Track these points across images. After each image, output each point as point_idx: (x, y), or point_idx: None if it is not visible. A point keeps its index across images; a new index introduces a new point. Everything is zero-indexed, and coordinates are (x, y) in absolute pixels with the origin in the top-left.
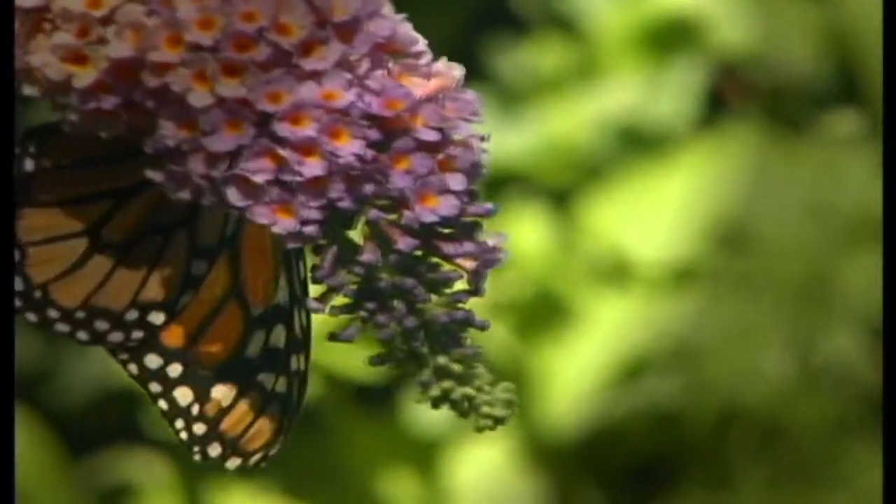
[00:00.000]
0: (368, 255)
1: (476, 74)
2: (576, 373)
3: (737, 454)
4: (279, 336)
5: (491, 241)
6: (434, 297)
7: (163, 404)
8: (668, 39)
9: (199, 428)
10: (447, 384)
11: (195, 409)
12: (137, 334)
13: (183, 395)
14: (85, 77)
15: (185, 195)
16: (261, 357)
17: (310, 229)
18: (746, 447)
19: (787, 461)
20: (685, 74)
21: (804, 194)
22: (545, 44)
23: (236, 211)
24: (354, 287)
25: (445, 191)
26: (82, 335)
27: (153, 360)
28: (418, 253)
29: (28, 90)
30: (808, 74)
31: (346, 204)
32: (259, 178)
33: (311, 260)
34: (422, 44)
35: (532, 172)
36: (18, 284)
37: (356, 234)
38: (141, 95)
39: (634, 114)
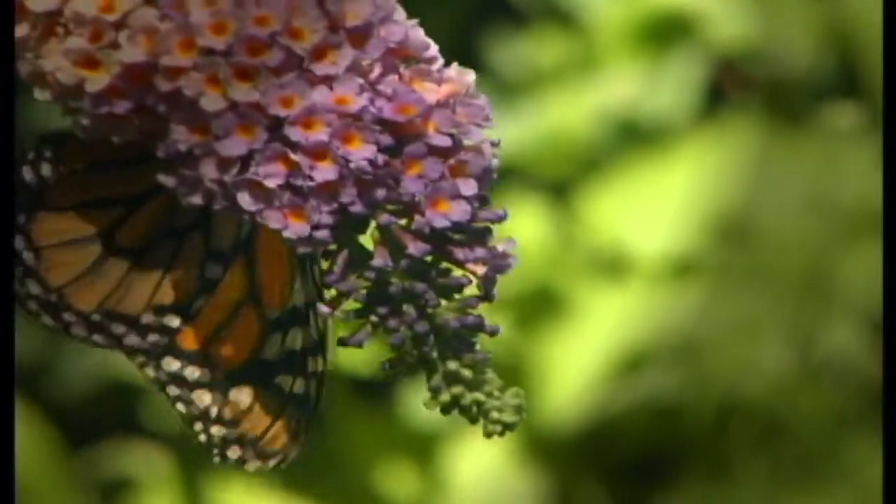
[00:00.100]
0: (379, 260)
1: (475, 67)
2: (575, 366)
3: (737, 448)
4: (296, 338)
5: (501, 247)
6: (445, 303)
7: (181, 407)
8: (667, 32)
9: (217, 430)
10: (457, 389)
11: (213, 412)
12: (153, 337)
13: (201, 398)
14: (97, 81)
15: (196, 199)
16: (278, 359)
17: (321, 234)
18: (746, 441)
19: (787, 454)
20: (684, 67)
21: (804, 187)
22: (544, 37)
23: (248, 215)
24: (365, 292)
25: (457, 196)
26: (99, 339)
27: (171, 364)
28: (429, 258)
29: (40, 94)
30: (808, 67)
31: (357, 209)
32: (271, 183)
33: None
34: (434, 49)
35: (531, 165)
36: (34, 288)
37: (367, 239)
38: (153, 100)
39: (634, 107)
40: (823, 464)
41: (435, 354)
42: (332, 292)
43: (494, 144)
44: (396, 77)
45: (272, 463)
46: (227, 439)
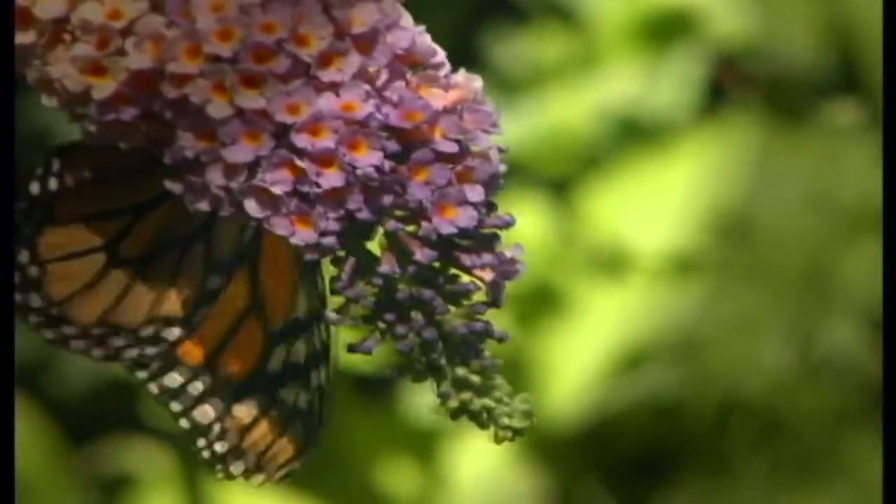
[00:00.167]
0: (387, 267)
1: (476, 64)
2: (576, 364)
3: (737, 445)
4: (299, 351)
5: (509, 253)
6: (453, 309)
7: (184, 423)
8: (667, 29)
9: (220, 446)
10: (466, 395)
11: (217, 428)
12: (152, 350)
13: (204, 413)
14: (104, 88)
15: (203, 206)
16: (282, 372)
17: (328, 240)
18: (747, 438)
19: (787, 452)
20: (685, 64)
21: (804, 185)
22: (545, 34)
23: (255, 222)
24: (373, 298)
25: (464, 202)
26: (98, 352)
27: (173, 379)
28: (437, 264)
29: (47, 101)
30: (808, 64)
31: (364, 215)
32: (278, 190)
33: (328, 272)
34: (441, 55)
35: (532, 162)
36: (37, 301)
37: (375, 246)
38: (160, 106)
39: (634, 104)
40: (823, 461)
41: (443, 361)
42: (340, 299)
43: (502, 151)
44: (403, 83)
45: (277, 477)
46: (231, 455)
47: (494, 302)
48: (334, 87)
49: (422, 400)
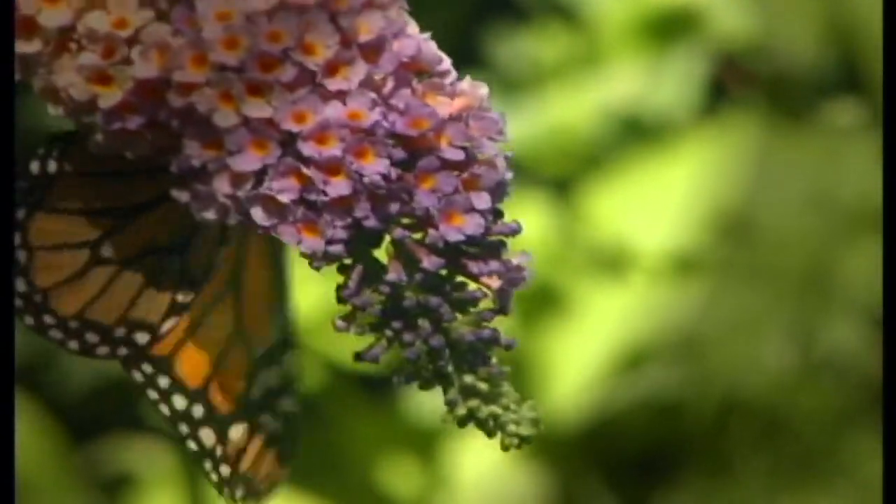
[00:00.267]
0: (394, 274)
1: (477, 63)
2: (577, 363)
3: (738, 445)
4: (274, 377)
5: (516, 260)
6: (460, 316)
7: (192, 445)
8: (669, 28)
9: (224, 470)
10: (473, 403)
11: (219, 452)
12: (122, 351)
13: (207, 436)
14: (110, 97)
15: (210, 215)
16: (262, 397)
17: (335, 248)
18: (747, 438)
19: (787, 451)
20: (686, 63)
21: (806, 184)
22: (546, 33)
23: (262, 230)
24: (380, 306)
25: (470, 210)
26: (73, 345)
27: (179, 402)
28: (444, 272)
29: (53, 110)
30: (810, 63)
31: (371, 223)
32: (284, 198)
33: (332, 282)
34: (447, 62)
35: (533, 161)
36: (22, 286)
37: (382, 253)
38: (166, 115)
39: (635, 103)
40: (824, 461)
41: (451, 368)
42: (347, 308)
43: (508, 158)
44: (409, 91)
45: (264, 498)
46: (234, 479)
47: (502, 309)
48: (341, 95)
49: (423, 399)
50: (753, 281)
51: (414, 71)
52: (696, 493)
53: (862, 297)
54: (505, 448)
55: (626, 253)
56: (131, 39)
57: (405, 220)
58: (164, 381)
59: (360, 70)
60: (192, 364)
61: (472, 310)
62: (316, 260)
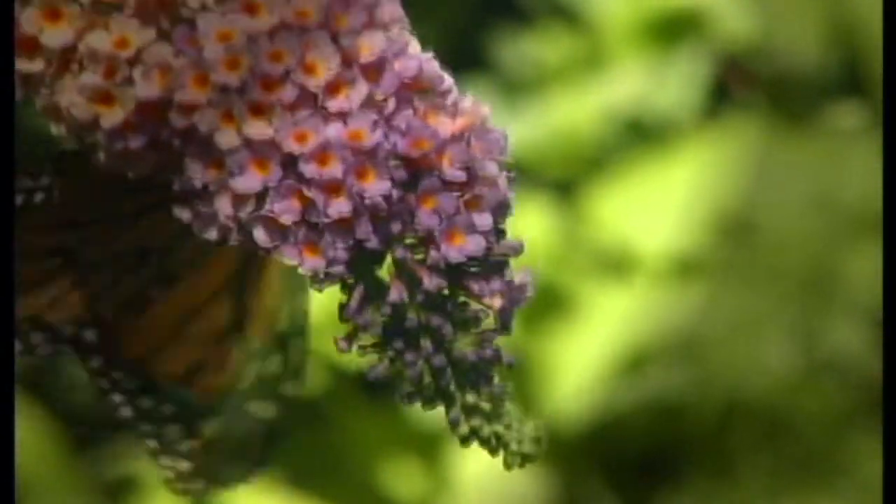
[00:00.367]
0: (396, 294)
1: (480, 65)
2: (580, 365)
3: (740, 446)
4: (274, 363)
5: (518, 279)
6: (462, 336)
7: (151, 443)
8: (672, 30)
9: (185, 465)
10: (476, 422)
11: (183, 447)
12: (65, 349)
13: (173, 432)
14: (112, 117)
15: (212, 235)
16: (252, 386)
17: (337, 269)
18: (750, 439)
19: (789, 452)
20: (689, 65)
21: (808, 186)
22: (549, 35)
23: (263, 251)
24: (382, 326)
25: (472, 230)
26: (17, 346)
27: (145, 401)
28: (446, 291)
29: (55, 129)
30: (813, 65)
31: (373, 244)
32: (286, 219)
33: (335, 297)
34: (448, 81)
35: (536, 163)
36: None
37: (383, 273)
38: (168, 135)
39: (638, 105)
40: (826, 462)
41: (453, 387)
42: (349, 327)
43: (510, 177)
44: (411, 111)
45: (232, 486)
46: (194, 474)
47: (503, 328)
48: (342, 115)
49: None
50: (756, 282)
51: (415, 90)
52: (699, 494)
53: (864, 299)
54: (507, 467)
55: (629, 254)
56: (133, 59)
57: (407, 241)
58: (132, 384)
59: (361, 90)
60: (171, 361)
61: (473, 329)
62: (317, 280)
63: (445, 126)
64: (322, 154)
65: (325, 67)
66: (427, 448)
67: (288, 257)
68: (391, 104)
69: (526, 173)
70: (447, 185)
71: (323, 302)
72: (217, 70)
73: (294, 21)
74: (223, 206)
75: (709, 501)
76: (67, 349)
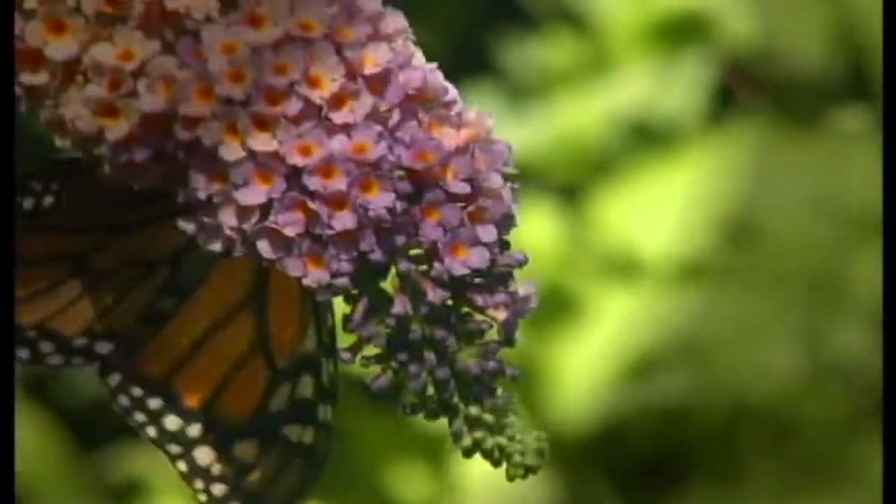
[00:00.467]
0: (400, 307)
1: (486, 69)
2: (586, 369)
3: (746, 450)
4: (307, 386)
5: (522, 291)
6: (465, 348)
7: (182, 466)
8: (677, 34)
9: (219, 490)
10: (479, 434)
11: (215, 470)
12: (78, 360)
13: (202, 455)
14: (117, 129)
15: (216, 247)
16: (286, 409)
17: (341, 281)
18: (755, 443)
19: (795, 456)
20: (694, 69)
21: (813, 189)
22: (555, 39)
23: (267, 263)
24: (386, 338)
25: (476, 242)
26: (23, 353)
27: (172, 422)
28: (450, 304)
29: (60, 142)
30: (817, 69)
31: (377, 256)
32: (290, 231)
33: (340, 308)
34: (453, 92)
35: (542, 168)
36: None
37: (388, 285)
38: (172, 148)
39: (643, 109)
40: (832, 465)
41: (456, 400)
42: (353, 338)
43: (514, 189)
44: (415, 124)
45: None
46: (228, 497)
47: (507, 341)
48: (346, 128)
49: None
50: (761, 286)
51: (420, 102)
52: (705, 498)
53: (869, 303)
54: (510, 478)
55: (634, 258)
56: (137, 72)
57: (411, 253)
58: (155, 403)
59: (365, 103)
60: (194, 382)
61: (477, 341)
62: (321, 292)
63: (450, 138)
64: (326, 166)
65: (330, 80)
66: (432, 452)
67: (292, 269)
68: (395, 116)
69: (531, 177)
70: (451, 197)
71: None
72: (221, 82)
73: (298, 33)
74: (227, 218)
75: None
76: (78, 361)
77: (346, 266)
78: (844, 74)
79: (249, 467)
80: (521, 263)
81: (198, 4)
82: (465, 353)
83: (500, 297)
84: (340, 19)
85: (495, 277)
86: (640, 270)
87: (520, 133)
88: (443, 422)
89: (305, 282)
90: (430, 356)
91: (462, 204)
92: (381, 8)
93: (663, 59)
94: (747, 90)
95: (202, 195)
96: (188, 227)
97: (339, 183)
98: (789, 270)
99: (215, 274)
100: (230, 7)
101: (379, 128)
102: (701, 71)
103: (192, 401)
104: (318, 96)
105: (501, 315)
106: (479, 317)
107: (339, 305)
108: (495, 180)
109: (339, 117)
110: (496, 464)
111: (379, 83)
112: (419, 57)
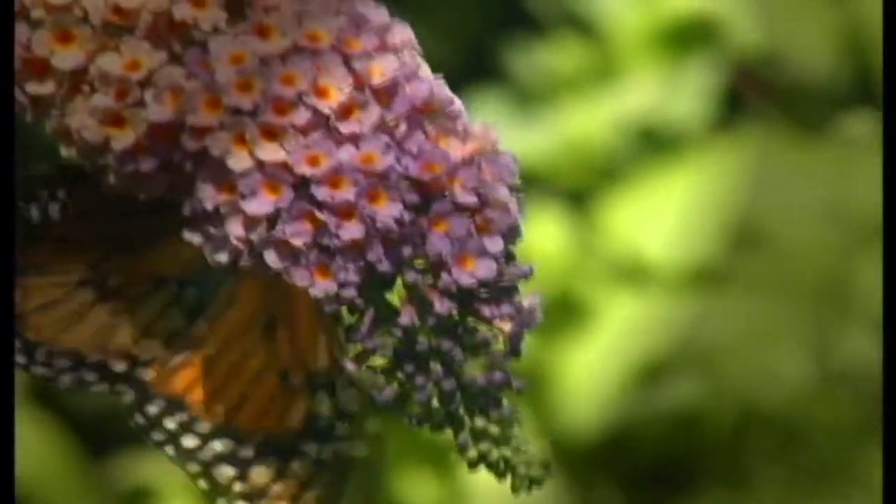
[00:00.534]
0: (406, 318)
1: (493, 75)
2: (594, 374)
3: (755, 456)
4: (322, 403)
5: (527, 303)
6: (471, 360)
7: (203, 484)
8: (685, 39)
9: None
10: (484, 446)
11: (237, 487)
12: (122, 387)
13: (223, 473)
14: (123, 139)
15: (223, 258)
16: (304, 426)
17: (348, 292)
18: (764, 449)
19: (805, 463)
20: (702, 74)
21: (821, 195)
22: (562, 45)
23: (274, 274)
24: (392, 349)
25: (483, 253)
26: (66, 379)
27: (190, 441)
28: (456, 315)
29: (66, 152)
30: (825, 75)
31: (384, 267)
32: (297, 241)
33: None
34: (458, 104)
35: (549, 173)
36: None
37: (394, 296)
38: (180, 158)
39: (651, 114)
40: (841, 472)
41: (462, 411)
42: (359, 349)
43: (521, 200)
44: (422, 134)
45: None
46: None
47: (513, 352)
48: (354, 138)
49: None
50: (770, 292)
51: (426, 113)
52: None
53: (877, 309)
54: (515, 490)
55: (641, 264)
56: (144, 82)
57: (418, 264)
58: (172, 422)
59: (373, 113)
60: (212, 399)
61: (483, 353)
62: (328, 303)
63: (456, 149)
64: (334, 177)
65: (337, 90)
66: (440, 457)
67: (299, 280)
68: (402, 127)
69: (539, 183)
70: (458, 208)
71: None
72: (229, 93)
73: (306, 44)
74: (234, 228)
75: None
76: (92, 377)
77: (353, 276)
78: (852, 80)
79: (270, 484)
80: (527, 275)
81: (205, 15)
82: (471, 364)
83: (507, 308)
84: (348, 30)
85: (501, 289)
86: (648, 276)
87: (527, 139)
88: (449, 431)
89: (312, 292)
90: (436, 367)
91: (469, 215)
92: (389, 19)
93: (670, 64)
94: (755, 96)
95: (209, 206)
96: (194, 237)
97: (346, 193)
98: (797, 276)
99: (229, 290)
100: (238, 18)
101: (386, 138)
102: (708, 77)
103: (211, 417)
104: (325, 107)
105: (507, 326)
106: (485, 328)
107: (347, 318)
108: (502, 192)
109: (346, 128)
110: (501, 476)
111: (386, 94)
112: (425, 69)
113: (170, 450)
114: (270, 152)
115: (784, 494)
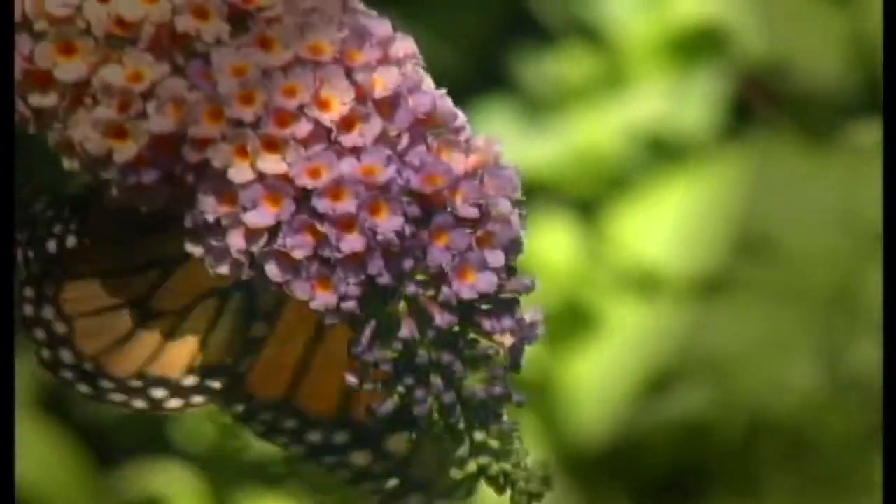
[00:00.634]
0: (407, 331)
1: (501, 84)
2: (603, 383)
3: (765, 465)
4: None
5: (528, 317)
6: (472, 373)
7: (344, 473)
8: (693, 48)
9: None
10: (484, 460)
11: (377, 468)
12: (197, 399)
13: (357, 459)
14: (125, 151)
15: (224, 270)
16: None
17: (348, 304)
18: (774, 458)
19: (815, 471)
20: (710, 83)
21: (830, 203)
22: (571, 53)
23: (275, 287)
24: (392, 362)
25: (484, 267)
26: (139, 403)
27: (313, 435)
28: (456, 328)
29: (68, 164)
30: (833, 83)
31: (385, 280)
32: (298, 254)
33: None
34: (462, 118)
35: (558, 183)
36: (68, 357)
37: (395, 310)
38: (181, 170)
39: (660, 123)
40: (851, 481)
41: (462, 425)
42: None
43: (523, 215)
44: (424, 147)
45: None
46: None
47: (514, 366)
48: (356, 151)
49: None
50: (779, 301)
51: (429, 126)
52: None
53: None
54: None
55: (651, 273)
56: (147, 93)
57: (419, 277)
58: (290, 422)
59: (375, 126)
60: (319, 395)
61: (484, 367)
62: (329, 316)
63: (459, 162)
64: (335, 189)
65: (340, 103)
66: None
67: (300, 293)
68: (405, 140)
69: (547, 192)
70: (460, 221)
71: None
72: (231, 105)
73: (308, 56)
74: (235, 240)
75: None
76: (199, 400)
77: (353, 289)
78: (859, 88)
79: (408, 456)
80: (529, 289)
81: (208, 27)
82: (471, 378)
83: (508, 322)
84: (351, 43)
85: (502, 303)
86: (657, 285)
87: (535, 148)
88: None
89: (312, 305)
90: (436, 381)
91: (470, 228)
92: (391, 32)
93: (679, 73)
94: (764, 104)
95: (210, 217)
96: (196, 249)
97: (348, 205)
98: (807, 285)
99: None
100: (240, 30)
101: (388, 151)
102: (716, 85)
103: (323, 412)
104: (327, 119)
105: (508, 340)
106: (485, 342)
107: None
108: (504, 205)
109: (348, 140)
110: (501, 490)
111: (388, 107)
112: (428, 81)
113: (297, 449)
114: (272, 164)
115: (793, 503)
